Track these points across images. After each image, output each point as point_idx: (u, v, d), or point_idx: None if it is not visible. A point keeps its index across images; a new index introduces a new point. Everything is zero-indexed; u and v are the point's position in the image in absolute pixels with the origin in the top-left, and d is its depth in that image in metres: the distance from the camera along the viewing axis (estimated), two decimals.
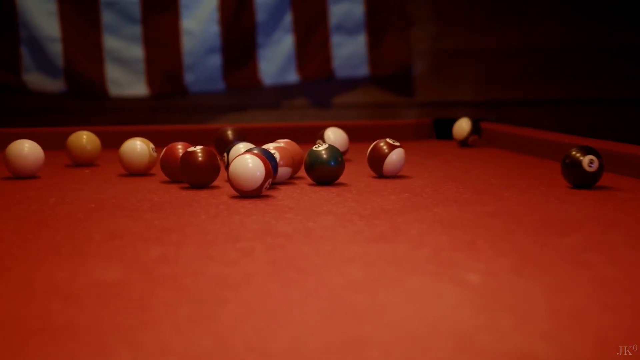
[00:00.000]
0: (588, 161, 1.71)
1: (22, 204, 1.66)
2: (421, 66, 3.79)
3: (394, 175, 1.94)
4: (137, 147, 1.99)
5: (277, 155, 1.81)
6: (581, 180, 1.73)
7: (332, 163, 1.82)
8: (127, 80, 3.60)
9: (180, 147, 1.87)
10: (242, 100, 3.74)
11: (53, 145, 2.34)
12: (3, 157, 2.00)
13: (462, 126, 2.50)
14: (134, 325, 0.92)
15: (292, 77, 3.72)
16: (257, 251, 1.25)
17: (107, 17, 3.57)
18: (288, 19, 3.70)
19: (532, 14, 3.82)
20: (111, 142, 2.26)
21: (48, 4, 3.50)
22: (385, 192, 1.76)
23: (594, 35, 3.84)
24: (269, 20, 3.68)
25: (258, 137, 2.52)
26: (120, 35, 3.58)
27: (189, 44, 3.61)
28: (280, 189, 1.79)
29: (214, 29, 3.62)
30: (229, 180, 1.68)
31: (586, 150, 1.72)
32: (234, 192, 1.70)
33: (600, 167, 1.72)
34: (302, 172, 1.94)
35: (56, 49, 3.52)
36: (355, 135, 2.36)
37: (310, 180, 1.88)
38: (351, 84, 3.78)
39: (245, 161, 1.65)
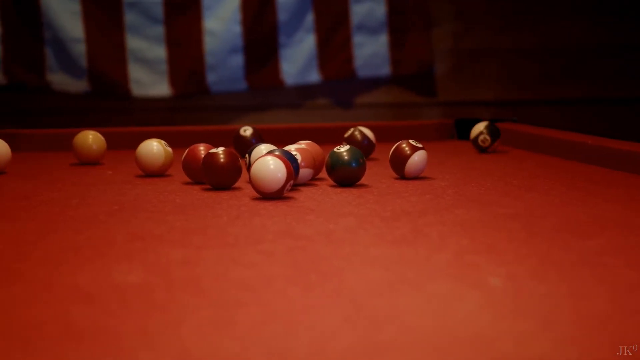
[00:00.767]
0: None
1: (46, 205, 1.67)
2: (443, 66, 3.79)
3: (416, 177, 1.94)
4: (154, 148, 2.00)
5: (298, 157, 1.81)
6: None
7: (354, 164, 1.82)
8: (149, 80, 3.62)
9: (202, 149, 1.88)
10: (264, 100, 3.75)
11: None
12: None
13: (477, 126, 2.42)
14: (154, 329, 0.92)
15: (314, 77, 3.73)
16: (278, 254, 1.25)
17: (130, 17, 3.60)
18: (310, 18, 3.70)
19: (553, 13, 3.80)
20: (133, 143, 2.26)
21: (72, 4, 3.53)
22: (406, 193, 1.76)
23: (614, 34, 3.82)
24: (291, 20, 3.69)
25: (279, 138, 2.53)
26: (143, 35, 3.60)
27: (211, 44, 3.62)
28: (302, 191, 1.79)
29: (236, 29, 3.63)
30: (251, 181, 1.69)
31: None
32: (255, 194, 1.71)
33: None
34: (323, 173, 1.95)
35: (80, 50, 3.54)
36: (377, 135, 2.36)
37: (331, 182, 1.88)
38: (373, 83, 3.78)
39: (267, 163, 1.66)
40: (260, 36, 3.67)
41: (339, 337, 0.90)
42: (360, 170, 1.83)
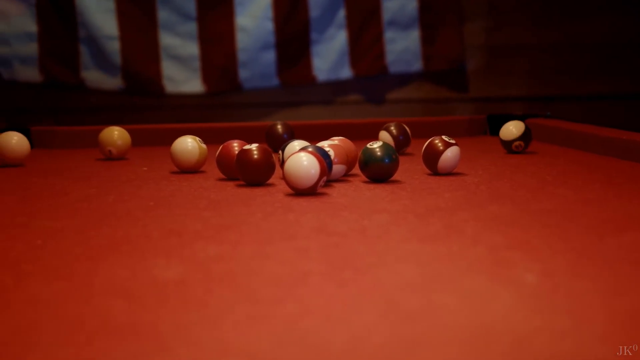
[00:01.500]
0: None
1: (84, 202, 1.69)
2: (475, 61, 3.77)
3: (449, 173, 1.94)
4: (189, 144, 2.02)
5: (331, 153, 1.82)
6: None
7: (387, 160, 1.83)
8: (182, 77, 3.65)
9: (236, 145, 1.89)
10: (296, 96, 3.76)
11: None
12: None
13: (510, 129, 2.32)
14: (193, 324, 0.93)
15: (346, 73, 3.73)
16: (312, 250, 1.26)
17: (163, 14, 3.62)
18: (341, 14, 3.70)
19: (585, 8, 3.77)
20: (167, 139, 2.28)
21: (106, 2, 3.57)
22: (439, 189, 1.76)
23: None
24: (323, 17, 3.69)
25: (312, 134, 2.54)
26: (176, 32, 3.63)
27: (243, 40, 3.64)
28: (335, 187, 1.80)
29: (268, 25, 3.65)
30: (284, 178, 1.70)
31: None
32: (289, 190, 1.72)
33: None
34: (356, 169, 1.95)
35: (114, 47, 3.58)
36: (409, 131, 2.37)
37: (364, 178, 1.89)
38: (404, 79, 3.78)
39: (300, 159, 1.67)
40: (292, 33, 3.68)
41: (374, 333, 0.91)
42: (393, 166, 1.84)
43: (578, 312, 0.97)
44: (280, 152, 1.91)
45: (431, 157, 1.92)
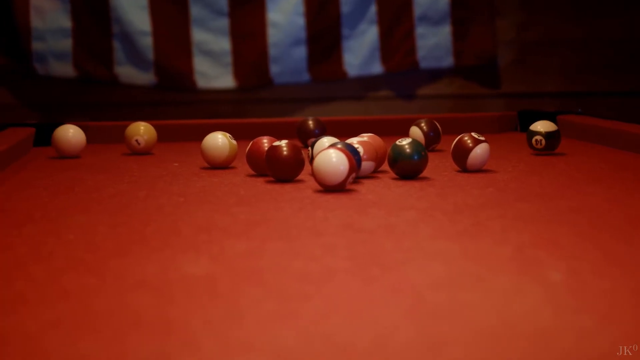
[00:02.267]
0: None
1: (116, 197, 1.72)
2: (507, 57, 3.75)
3: (478, 170, 1.94)
4: (219, 140, 2.04)
5: (360, 150, 1.83)
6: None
7: (416, 157, 1.83)
8: (214, 72, 3.67)
9: (265, 142, 1.91)
10: (327, 92, 3.77)
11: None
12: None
13: (536, 125, 2.22)
14: (221, 320, 0.95)
15: (377, 68, 3.73)
16: (340, 247, 1.27)
17: (195, 10, 3.65)
18: (373, 10, 3.70)
19: (620, 2, 3.73)
20: (199, 135, 2.30)
21: None
22: (468, 186, 1.76)
23: None
24: (354, 12, 3.70)
25: (342, 130, 2.55)
26: (208, 28, 3.65)
27: (274, 36, 3.66)
28: (364, 183, 1.81)
29: (300, 21, 3.66)
30: (313, 174, 1.71)
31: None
32: (318, 186, 1.73)
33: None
34: (385, 166, 1.96)
35: (147, 43, 3.61)
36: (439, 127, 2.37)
37: (393, 174, 1.89)
38: (436, 75, 3.77)
39: (329, 156, 1.68)
40: (323, 28, 3.68)
41: (400, 330, 0.92)
42: (422, 163, 1.84)
43: (604, 311, 0.97)
44: (309, 148, 1.92)
45: (460, 154, 1.92)
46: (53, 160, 2.28)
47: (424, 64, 3.73)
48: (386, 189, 1.76)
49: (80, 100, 3.69)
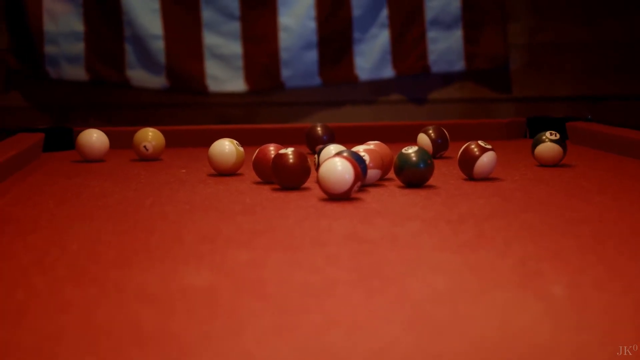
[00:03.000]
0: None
1: (121, 204, 1.72)
2: (518, 61, 3.74)
3: (485, 178, 1.93)
4: (226, 148, 2.04)
5: (366, 158, 1.83)
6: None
7: (422, 165, 1.83)
8: (226, 76, 3.68)
9: (272, 149, 1.91)
10: (337, 95, 3.77)
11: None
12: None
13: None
14: (217, 333, 0.95)
15: (388, 72, 3.73)
16: (342, 257, 1.27)
17: (207, 14, 3.66)
18: (384, 14, 3.70)
19: (631, 5, 3.71)
20: (208, 140, 2.30)
21: (151, 2, 3.61)
22: (474, 195, 1.75)
23: None
24: (365, 16, 3.70)
25: (352, 136, 2.55)
26: (220, 31, 3.66)
27: (286, 40, 3.66)
28: (370, 192, 1.81)
29: (311, 24, 3.66)
30: (319, 183, 1.71)
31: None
32: (323, 195, 1.73)
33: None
34: (392, 174, 1.95)
35: (158, 46, 3.62)
36: (448, 133, 2.36)
37: (399, 183, 1.89)
38: (447, 79, 3.76)
39: (335, 164, 1.68)
40: (335, 32, 3.69)
41: (399, 344, 0.92)
42: (428, 171, 1.84)
43: (604, 328, 0.96)
44: (316, 155, 1.92)
45: (467, 162, 1.91)
46: (61, 165, 2.29)
47: (435, 68, 3.72)
48: (391, 197, 1.76)
49: (92, 104, 3.70)
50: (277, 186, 1.87)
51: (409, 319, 1.00)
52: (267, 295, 1.09)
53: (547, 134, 2.11)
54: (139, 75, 3.65)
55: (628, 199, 1.70)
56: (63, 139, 2.63)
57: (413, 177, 1.83)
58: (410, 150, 1.83)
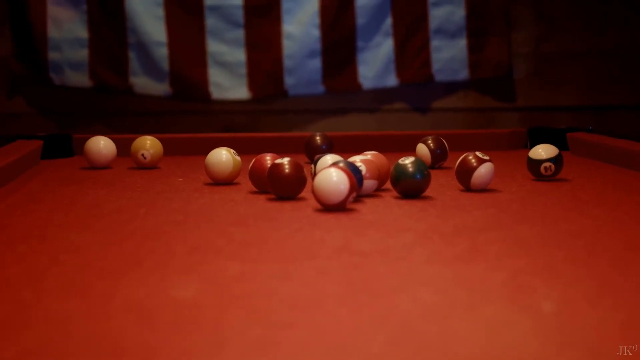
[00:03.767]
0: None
1: (115, 214, 1.72)
2: (523, 70, 3.73)
3: (482, 189, 1.92)
4: (223, 157, 2.04)
5: (363, 168, 1.82)
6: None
7: (418, 176, 1.81)
8: (229, 83, 3.68)
9: (268, 159, 1.90)
10: (341, 103, 3.76)
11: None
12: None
13: (539, 153, 2.07)
14: (203, 349, 0.94)
15: (391, 81, 3.73)
16: (332, 271, 1.26)
17: (211, 21, 3.66)
18: (388, 22, 3.70)
19: (635, 14, 3.70)
20: (207, 148, 2.30)
21: (156, 9, 3.61)
22: (470, 207, 1.74)
23: None
24: (369, 24, 3.69)
25: (351, 146, 2.55)
26: (224, 39, 3.66)
27: (289, 47, 3.66)
28: (366, 202, 1.80)
29: (315, 32, 3.66)
30: (314, 193, 1.70)
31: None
32: (318, 205, 1.72)
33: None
34: (388, 184, 1.94)
35: (162, 53, 3.62)
36: (449, 143, 2.35)
37: (396, 193, 1.88)
38: (451, 88, 3.76)
39: (330, 175, 1.67)
40: (339, 40, 3.68)
41: None
42: (425, 182, 1.83)
43: (592, 345, 0.95)
44: (312, 166, 1.91)
45: (464, 174, 1.90)
46: (59, 173, 2.29)
47: (439, 76, 3.71)
48: (387, 208, 1.74)
49: (96, 110, 3.71)
50: (272, 196, 1.86)
51: (395, 335, 0.98)
52: (253, 309, 1.08)
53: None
54: (142, 82, 3.66)
55: (625, 212, 1.68)
56: (62, 146, 2.63)
57: (409, 188, 1.82)
58: (407, 161, 1.82)
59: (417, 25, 3.70)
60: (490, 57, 3.69)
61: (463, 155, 1.92)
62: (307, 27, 3.66)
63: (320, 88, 3.71)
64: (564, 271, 1.24)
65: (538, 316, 1.05)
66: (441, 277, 1.23)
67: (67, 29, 3.61)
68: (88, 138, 2.42)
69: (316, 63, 3.68)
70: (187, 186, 2.05)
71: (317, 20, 3.66)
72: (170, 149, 2.53)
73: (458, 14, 3.69)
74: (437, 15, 3.68)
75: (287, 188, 1.81)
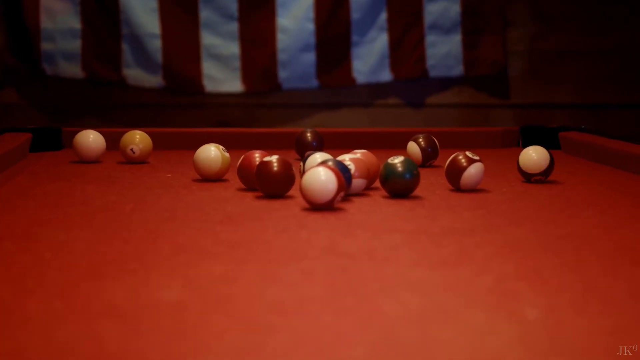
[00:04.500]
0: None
1: (101, 211, 1.70)
2: (517, 67, 3.72)
3: (472, 189, 1.91)
4: (212, 153, 2.02)
5: (351, 167, 1.80)
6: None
7: (407, 176, 1.80)
8: (222, 76, 3.66)
9: (257, 156, 1.89)
10: (335, 98, 3.75)
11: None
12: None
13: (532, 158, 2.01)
14: (184, 353, 0.93)
15: (386, 76, 3.71)
16: (317, 273, 1.25)
17: (205, 14, 3.64)
18: (383, 17, 3.68)
19: (633, 14, 3.69)
20: (197, 144, 2.28)
21: (149, 1, 3.59)
22: (459, 207, 1.73)
23: None
24: (364, 19, 3.68)
25: (343, 142, 2.54)
26: (218, 32, 3.64)
27: (284, 41, 3.64)
28: (354, 202, 1.78)
29: (309, 26, 3.64)
30: (301, 192, 1.68)
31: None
32: (306, 204, 1.71)
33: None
34: (378, 183, 1.93)
35: (155, 45, 3.60)
36: (441, 141, 2.34)
37: (385, 192, 1.87)
38: (445, 84, 3.74)
39: (318, 174, 1.66)
40: (333, 34, 3.67)
41: None
42: (414, 182, 1.81)
43: (579, 353, 0.94)
44: (301, 164, 1.89)
45: (454, 174, 1.89)
46: (48, 167, 2.27)
47: (433, 72, 3.70)
48: (375, 208, 1.73)
49: (88, 103, 3.69)
50: (260, 194, 1.84)
51: (377, 341, 0.97)
52: (236, 312, 1.07)
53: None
54: (135, 74, 3.64)
55: (615, 215, 1.67)
56: (51, 139, 2.61)
57: (398, 187, 1.81)
58: (396, 160, 1.81)
59: (413, 21, 3.68)
60: (485, 54, 3.68)
61: (453, 155, 1.91)
62: (301, 21, 3.65)
63: (314, 82, 3.70)
64: (551, 276, 1.23)
65: (524, 323, 1.04)
66: (427, 281, 1.22)
67: (60, 19, 3.59)
68: (78, 131, 2.40)
69: (310, 57, 3.67)
70: (176, 182, 2.03)
71: (311, 14, 3.64)
72: (160, 143, 2.51)
73: (453, 9, 3.67)
74: (432, 10, 3.67)
75: (275, 186, 1.80)
